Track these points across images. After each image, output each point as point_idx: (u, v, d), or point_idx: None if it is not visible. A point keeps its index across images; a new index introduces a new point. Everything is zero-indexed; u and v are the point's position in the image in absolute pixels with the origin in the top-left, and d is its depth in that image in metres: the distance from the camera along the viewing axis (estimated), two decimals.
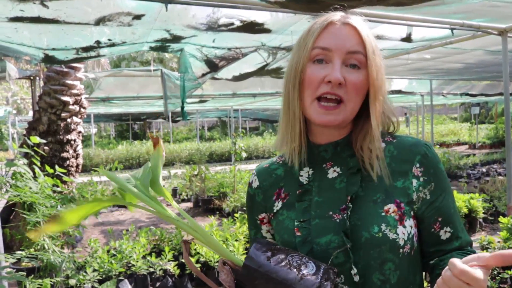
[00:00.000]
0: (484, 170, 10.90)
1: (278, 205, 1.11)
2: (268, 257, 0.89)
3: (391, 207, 0.98)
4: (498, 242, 4.03)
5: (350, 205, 0.99)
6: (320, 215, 1.02)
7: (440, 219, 1.02)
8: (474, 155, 13.67)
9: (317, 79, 0.99)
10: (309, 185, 1.07)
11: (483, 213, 5.90)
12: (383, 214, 0.98)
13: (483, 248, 4.11)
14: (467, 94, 13.14)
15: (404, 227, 0.97)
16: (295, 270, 0.87)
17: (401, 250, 0.96)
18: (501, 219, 4.22)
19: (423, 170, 1.02)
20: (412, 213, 1.00)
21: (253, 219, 1.20)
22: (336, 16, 1.02)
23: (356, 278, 0.96)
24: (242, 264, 0.91)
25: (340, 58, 0.98)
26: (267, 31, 3.72)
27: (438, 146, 16.10)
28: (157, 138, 1.01)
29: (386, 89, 1.05)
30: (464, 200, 5.69)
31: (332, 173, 1.05)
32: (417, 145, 1.04)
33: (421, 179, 1.01)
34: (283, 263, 0.89)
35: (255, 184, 1.18)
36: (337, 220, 0.99)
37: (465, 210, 5.59)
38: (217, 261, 4.34)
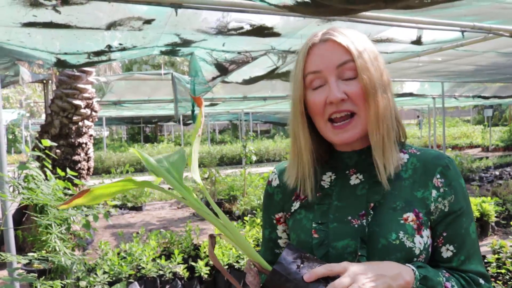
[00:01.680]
0: (497, 173, 10.79)
1: (296, 205, 1.11)
2: (298, 266, 0.89)
3: (410, 215, 0.98)
4: (511, 246, 3.98)
5: (372, 212, 0.99)
6: (339, 219, 1.02)
7: (444, 234, 1.00)
8: (487, 158, 13.53)
9: (320, 103, 1.00)
10: (330, 189, 1.07)
11: (496, 216, 5.84)
12: (402, 221, 0.98)
13: (495, 252, 4.06)
14: (479, 97, 12.99)
15: (421, 237, 0.97)
16: (322, 281, 0.87)
17: (415, 259, 0.96)
18: None
19: (443, 182, 1.01)
20: (429, 223, 1.00)
21: (269, 218, 1.20)
22: (317, 37, 1.03)
23: None
24: (270, 268, 0.91)
25: (333, 75, 0.99)
26: (277, 35, 3.73)
27: (450, 149, 15.95)
28: (200, 99, 0.98)
29: (389, 92, 1.03)
30: (476, 203, 5.64)
31: (355, 179, 1.06)
32: (440, 157, 1.04)
33: (441, 189, 1.01)
34: None
35: (275, 182, 1.18)
36: (356, 226, 0.99)
37: (477, 214, 5.54)
38: (226, 265, 4.35)
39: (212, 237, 0.98)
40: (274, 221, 1.18)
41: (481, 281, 1.00)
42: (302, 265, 0.89)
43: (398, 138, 1.08)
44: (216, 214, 0.93)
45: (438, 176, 1.01)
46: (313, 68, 1.01)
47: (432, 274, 0.93)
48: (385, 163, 1.01)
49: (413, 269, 0.91)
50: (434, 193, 1.00)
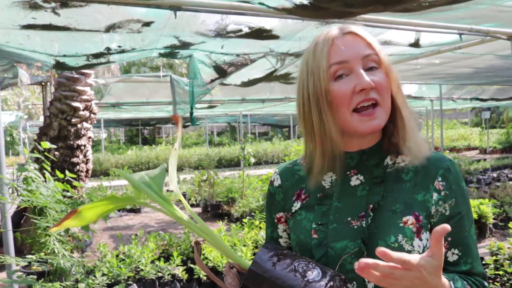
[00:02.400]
0: (494, 175, 10.81)
1: (297, 205, 1.12)
2: (274, 263, 0.90)
3: (410, 219, 0.98)
4: (508, 248, 3.99)
5: (371, 214, 0.99)
6: (339, 220, 1.02)
7: (449, 239, 1.01)
8: (484, 160, 13.57)
9: (348, 92, 0.98)
10: (331, 190, 1.08)
11: (493, 218, 5.86)
12: (401, 225, 0.98)
13: (493, 254, 4.08)
14: (477, 99, 13.04)
15: (421, 240, 0.98)
16: (299, 276, 0.87)
17: None
18: (511, 225, 4.19)
19: (444, 185, 1.01)
20: (429, 226, 1.00)
21: (271, 217, 1.21)
22: (334, 31, 1.03)
23: (370, 286, 0.97)
24: (247, 268, 0.92)
25: (360, 65, 0.99)
26: (275, 37, 3.74)
27: (448, 151, 15.99)
28: (177, 117, 1.02)
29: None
30: (474, 205, 5.65)
31: (355, 180, 1.06)
32: (441, 160, 1.04)
33: (442, 193, 1.01)
34: (288, 269, 0.89)
35: (277, 182, 1.19)
36: (355, 227, 1.00)
37: (475, 216, 5.55)
38: (225, 266, 4.33)
39: (197, 243, 1.00)
40: (275, 220, 1.19)
41: (486, 283, 1.02)
42: (278, 262, 0.90)
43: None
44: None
45: (440, 179, 1.01)
46: (339, 58, 1.00)
47: None
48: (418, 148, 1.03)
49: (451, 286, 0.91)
50: (435, 196, 1.00)
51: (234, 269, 0.97)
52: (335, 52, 1.00)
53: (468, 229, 1.02)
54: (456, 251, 1.01)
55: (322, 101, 1.01)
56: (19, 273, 3.10)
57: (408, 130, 1.02)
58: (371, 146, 1.06)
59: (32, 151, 4.56)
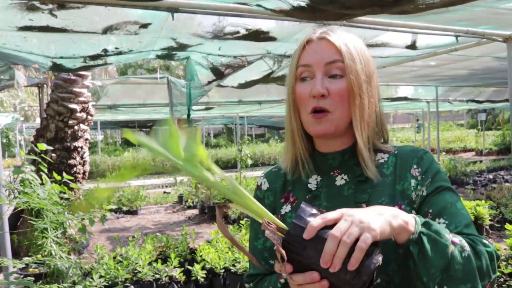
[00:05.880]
0: (491, 177, 10.84)
1: (286, 208, 1.13)
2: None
3: None
4: (505, 249, 4.01)
5: None
6: None
7: (430, 211, 0.99)
8: (480, 161, 13.60)
9: (305, 95, 1.05)
10: (318, 191, 1.10)
11: (490, 220, 5.88)
12: None
13: None
14: (473, 101, 13.10)
15: None
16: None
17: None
18: (507, 226, 4.20)
19: (420, 170, 1.05)
20: (413, 212, 1.01)
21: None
22: (315, 34, 1.08)
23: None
24: (285, 227, 0.85)
25: (321, 71, 1.03)
26: (273, 39, 3.75)
27: (444, 153, 16.03)
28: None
29: (376, 97, 1.08)
30: (470, 207, 5.67)
31: (340, 180, 1.09)
32: (415, 150, 1.09)
33: (419, 177, 1.04)
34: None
35: (265, 186, 1.20)
36: None
37: (471, 217, 5.56)
38: (223, 269, 4.35)
39: (219, 206, 0.93)
40: None
41: (485, 240, 0.96)
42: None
43: (382, 141, 1.12)
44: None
45: (415, 166, 1.05)
46: (304, 62, 1.06)
47: (432, 221, 0.91)
48: (368, 161, 1.05)
49: (412, 215, 0.89)
50: (413, 182, 1.03)
51: (273, 225, 0.87)
52: (303, 55, 1.07)
53: (452, 202, 1.00)
54: (442, 220, 0.98)
55: (289, 98, 1.09)
56: (16, 275, 3.08)
57: (368, 143, 1.05)
58: (350, 145, 1.09)
59: (28, 153, 4.55)
